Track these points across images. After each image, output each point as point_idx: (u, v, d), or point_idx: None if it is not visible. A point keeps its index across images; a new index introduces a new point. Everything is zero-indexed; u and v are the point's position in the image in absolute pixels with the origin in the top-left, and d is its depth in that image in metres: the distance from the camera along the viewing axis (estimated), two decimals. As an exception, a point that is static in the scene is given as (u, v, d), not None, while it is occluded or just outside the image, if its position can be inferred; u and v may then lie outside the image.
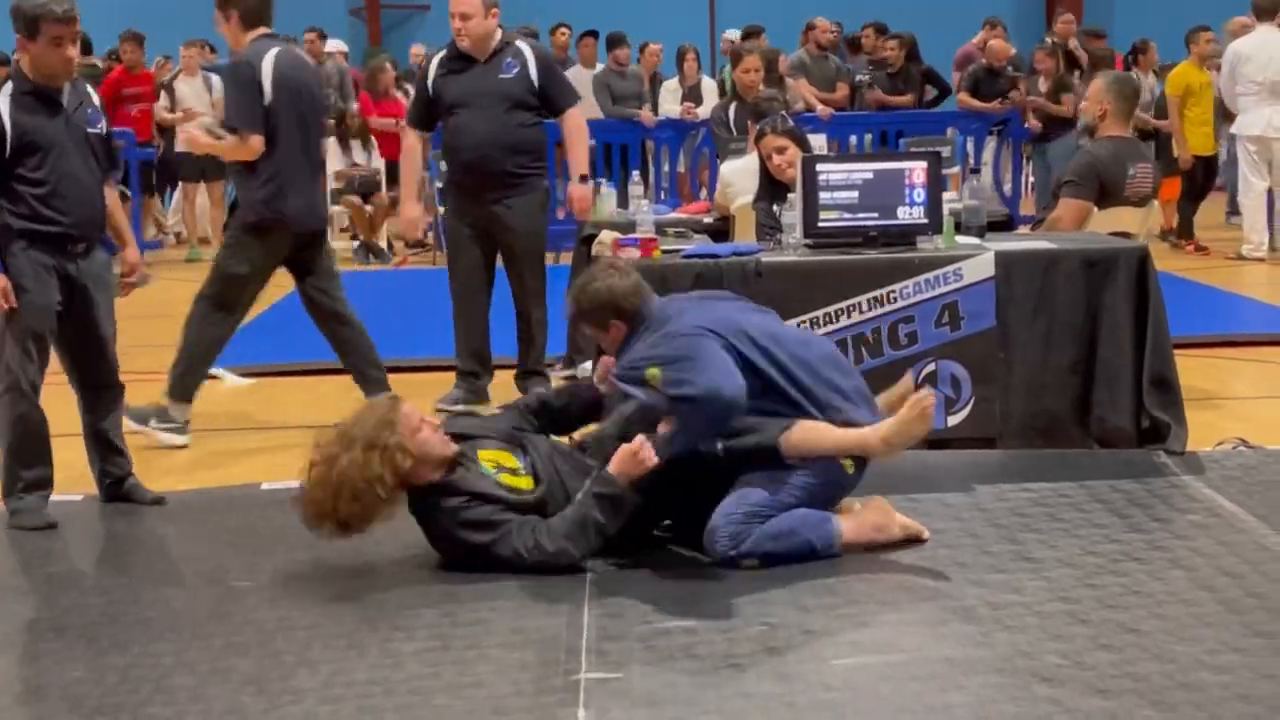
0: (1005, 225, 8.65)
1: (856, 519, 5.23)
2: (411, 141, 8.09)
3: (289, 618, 4.72)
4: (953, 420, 6.61)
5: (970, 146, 15.56)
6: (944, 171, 13.88)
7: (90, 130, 5.93)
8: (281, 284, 8.09)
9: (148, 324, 12.10)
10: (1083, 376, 6.65)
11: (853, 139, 15.41)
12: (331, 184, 15.76)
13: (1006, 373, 6.62)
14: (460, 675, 4.19)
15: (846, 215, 6.63)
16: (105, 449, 6.11)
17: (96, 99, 6.04)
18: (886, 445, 5.13)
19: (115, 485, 6.12)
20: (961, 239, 6.88)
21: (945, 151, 14.87)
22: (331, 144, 15.71)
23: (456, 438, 5.16)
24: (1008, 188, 16.16)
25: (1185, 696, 3.89)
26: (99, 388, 6.04)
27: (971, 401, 6.61)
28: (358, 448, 4.96)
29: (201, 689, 4.17)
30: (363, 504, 4.95)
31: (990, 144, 15.94)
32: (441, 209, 16.04)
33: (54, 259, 5.80)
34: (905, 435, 5.10)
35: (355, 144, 15.82)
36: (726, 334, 5.11)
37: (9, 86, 5.78)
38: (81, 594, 5.08)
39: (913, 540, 5.28)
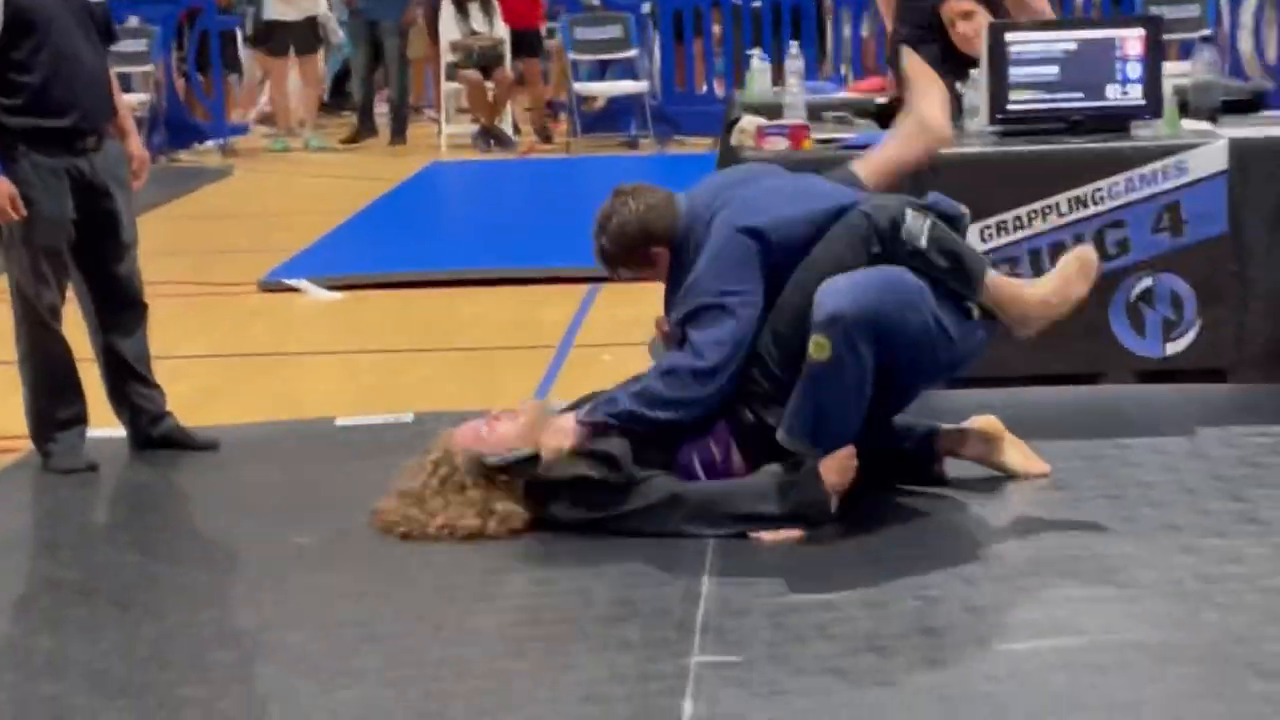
0: (1252, 106, 8.42)
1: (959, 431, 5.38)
2: None
3: (354, 582, 4.77)
4: (1172, 348, 6.49)
5: (1226, 4, 15.20)
6: (1191, 36, 13.66)
7: (91, 1, 5.97)
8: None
9: (228, 224, 12.33)
10: (1338, 295, 6.50)
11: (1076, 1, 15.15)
12: (447, 56, 15.85)
13: (1241, 289, 6.49)
14: (549, 655, 4.21)
15: (1044, 95, 6.51)
16: (131, 381, 6.14)
17: None
18: (1043, 306, 5.18)
19: (150, 425, 6.17)
20: (1188, 124, 6.73)
21: (1194, 11, 14.71)
22: (446, 8, 15.79)
23: None
24: (1271, 54, 15.75)
25: None
26: (121, 306, 6.09)
27: (1197, 325, 6.49)
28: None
29: (244, 667, 4.24)
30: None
31: (1249, 3, 15.53)
32: (576, 86, 16.12)
33: (63, 159, 5.87)
34: (1065, 295, 5.17)
35: (474, 8, 15.84)
36: (768, 230, 5.14)
37: None
38: (116, 551, 5.18)
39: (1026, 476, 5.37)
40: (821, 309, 4.92)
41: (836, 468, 5.02)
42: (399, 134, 16.29)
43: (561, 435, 5.10)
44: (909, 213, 5.05)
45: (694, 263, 5.20)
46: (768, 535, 4.97)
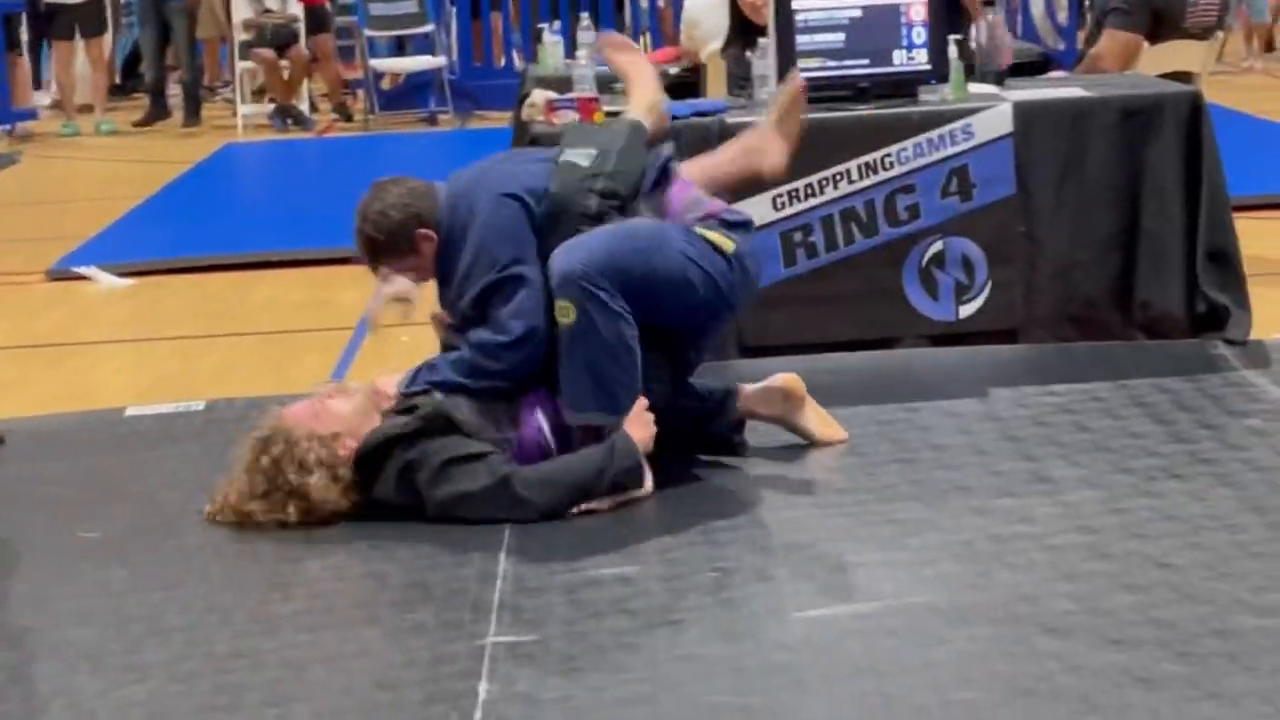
0: (1039, 69, 8.53)
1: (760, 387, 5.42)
2: None
3: (143, 577, 4.68)
4: (964, 310, 6.57)
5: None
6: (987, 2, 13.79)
7: None
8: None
9: (16, 212, 12.06)
10: (1123, 253, 6.60)
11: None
12: (240, 35, 15.64)
13: (1030, 250, 6.57)
14: (343, 643, 4.16)
15: (830, 63, 6.53)
16: None
17: None
18: (775, 136, 5.48)
19: None
20: (975, 88, 6.79)
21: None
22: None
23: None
24: (1063, 17, 16.00)
25: (1218, 646, 3.86)
26: None
27: (988, 287, 6.56)
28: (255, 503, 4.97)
29: (26, 666, 4.14)
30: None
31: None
32: (373, 62, 15.97)
33: None
34: (789, 122, 5.45)
35: (265, -15, 15.66)
36: (525, 194, 5.16)
37: None
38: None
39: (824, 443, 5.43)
40: (555, 273, 4.96)
41: (638, 424, 5.01)
42: (192, 115, 16.05)
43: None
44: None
45: (462, 244, 5.15)
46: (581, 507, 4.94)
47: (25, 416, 6.40)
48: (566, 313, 4.95)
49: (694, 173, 5.52)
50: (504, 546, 4.72)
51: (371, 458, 4.98)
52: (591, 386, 4.99)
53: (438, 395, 5.05)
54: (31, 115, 16.06)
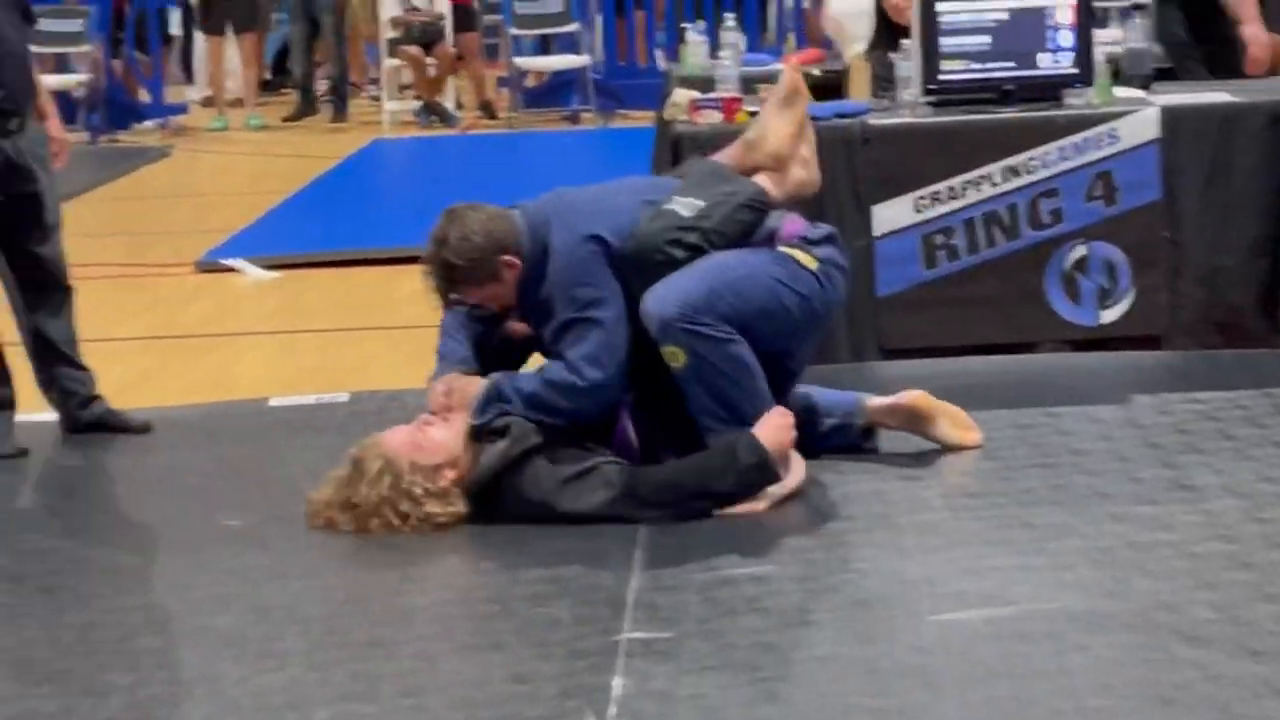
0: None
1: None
2: None
3: (283, 565, 4.74)
4: (1107, 316, 6.52)
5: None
6: (1128, 3, 13.66)
7: None
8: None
9: (166, 204, 12.26)
10: (1270, 259, 6.53)
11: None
12: (388, 33, 15.78)
13: (1174, 256, 6.51)
14: (477, 635, 4.20)
15: (975, 65, 6.52)
16: (59, 364, 6.08)
17: None
18: (775, 121, 5.31)
19: (80, 409, 6.12)
20: (1120, 92, 6.74)
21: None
22: (387, -17, 15.74)
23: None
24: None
25: (1361, 660, 3.80)
26: (45, 288, 6.03)
27: (1131, 293, 6.51)
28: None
29: (170, 651, 4.21)
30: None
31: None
32: (517, 60, 16.06)
33: None
34: (791, 110, 5.35)
35: (413, -17, 15.79)
36: (607, 234, 5.05)
37: None
38: (44, 536, 5.14)
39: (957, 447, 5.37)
40: (652, 319, 4.93)
41: (772, 428, 5.00)
42: (340, 111, 16.23)
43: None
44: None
45: (542, 275, 5.03)
46: (727, 512, 4.93)
47: (170, 406, 6.50)
48: (675, 357, 4.93)
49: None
50: (639, 544, 4.73)
51: (482, 490, 5.01)
52: (721, 413, 4.97)
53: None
54: (182, 109, 16.29)
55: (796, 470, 5.06)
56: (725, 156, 5.40)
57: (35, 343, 6.06)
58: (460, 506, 4.95)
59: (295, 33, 16.31)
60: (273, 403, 6.39)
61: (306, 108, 16.27)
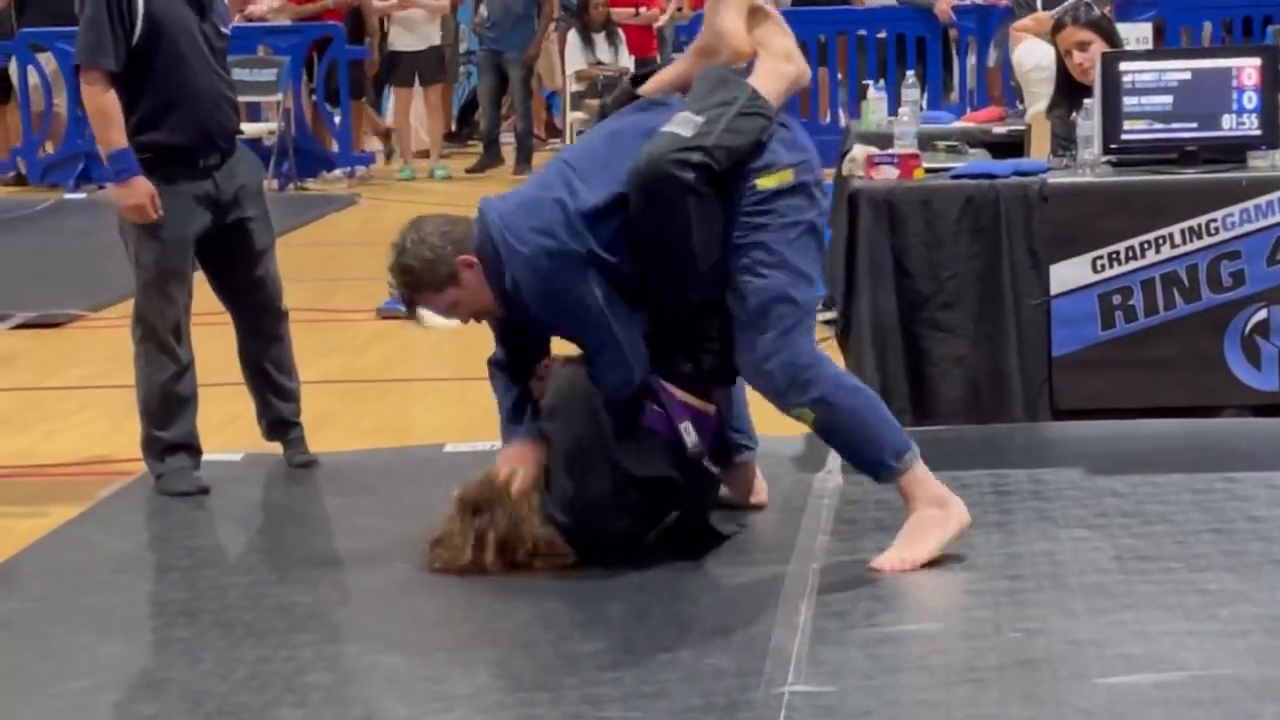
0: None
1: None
2: None
3: (452, 607, 4.81)
4: (1287, 381, 6.41)
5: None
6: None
7: (222, 30, 6.09)
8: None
9: (352, 252, 12.43)
10: None
11: (1207, 26, 14.98)
12: (572, 85, 15.92)
13: (1359, 321, 6.39)
14: (642, 683, 4.21)
15: (1157, 125, 6.46)
16: (266, 386, 6.27)
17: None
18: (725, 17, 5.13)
19: (276, 427, 6.30)
20: (1306, 155, 6.64)
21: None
22: (572, 38, 15.88)
23: None
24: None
25: None
26: (258, 312, 6.22)
27: (1313, 358, 6.40)
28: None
29: (339, 689, 4.27)
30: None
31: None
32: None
33: (187, 180, 5.95)
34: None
35: (599, 38, 15.93)
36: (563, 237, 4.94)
37: None
38: (223, 572, 5.25)
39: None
40: (766, 391, 5.00)
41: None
42: (524, 162, 16.37)
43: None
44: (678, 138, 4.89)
45: (502, 268, 4.97)
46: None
47: (349, 450, 6.60)
48: (804, 416, 4.96)
49: (663, 87, 5.24)
50: (806, 596, 4.73)
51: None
52: (864, 453, 5.00)
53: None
54: (370, 159, 16.54)
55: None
56: (684, 67, 5.24)
57: (253, 371, 6.26)
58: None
59: (483, 85, 16.49)
60: (448, 449, 6.46)
61: (491, 160, 16.46)
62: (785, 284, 4.93)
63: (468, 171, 16.32)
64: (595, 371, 5.06)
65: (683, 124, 4.90)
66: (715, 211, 4.92)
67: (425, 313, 5.24)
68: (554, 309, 5.01)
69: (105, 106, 5.85)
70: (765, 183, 4.95)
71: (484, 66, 16.37)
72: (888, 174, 6.48)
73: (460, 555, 4.99)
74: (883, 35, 15.73)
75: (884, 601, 4.69)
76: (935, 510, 4.96)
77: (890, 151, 6.66)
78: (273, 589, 5.05)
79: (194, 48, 5.94)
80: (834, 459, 6.08)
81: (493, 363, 5.36)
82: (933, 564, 4.95)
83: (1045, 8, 9.38)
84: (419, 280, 5.05)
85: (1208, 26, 15.20)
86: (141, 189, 5.83)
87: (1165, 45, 13.03)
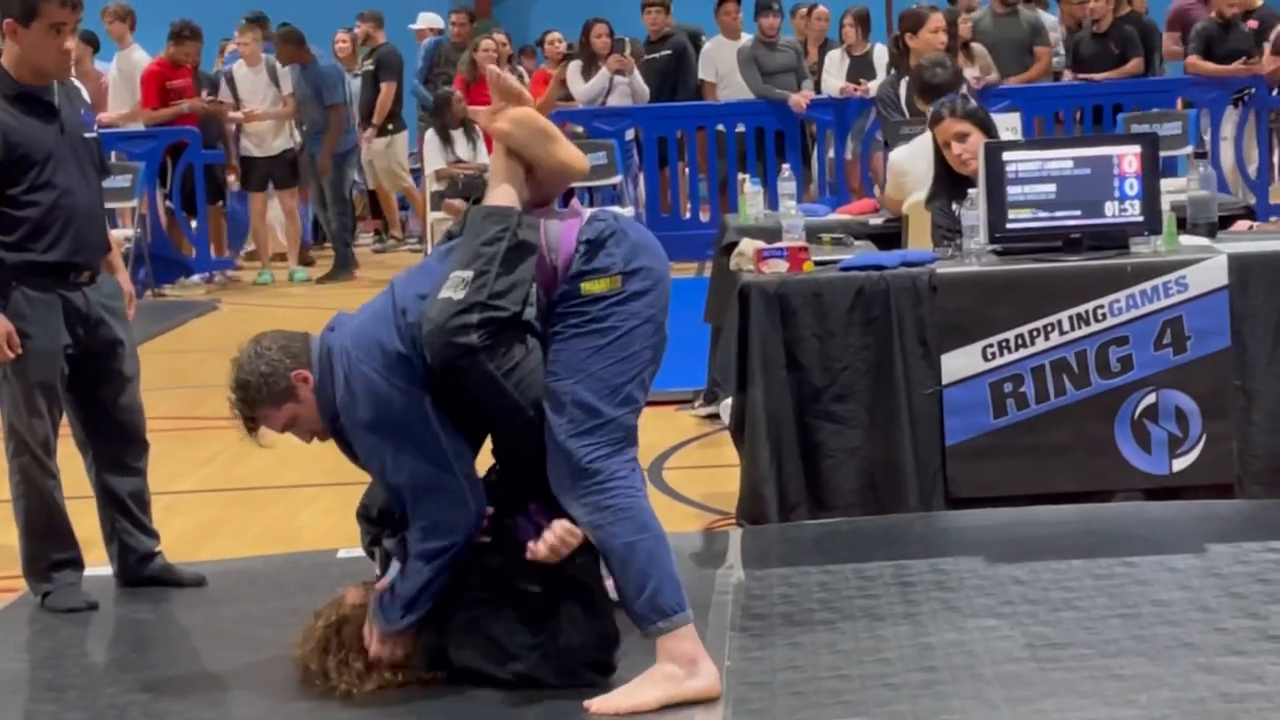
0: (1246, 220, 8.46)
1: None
2: None
3: (365, 714, 4.72)
4: (1179, 464, 6.49)
5: (1206, 121, 15.29)
6: (1175, 153, 13.73)
7: (86, 135, 6.00)
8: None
9: (216, 359, 12.31)
10: (1343, 407, 6.50)
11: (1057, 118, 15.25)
12: (432, 185, 15.88)
13: (1245, 404, 6.48)
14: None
15: (1041, 214, 6.53)
16: (124, 520, 6.10)
17: (86, 94, 6.11)
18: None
19: (138, 565, 6.13)
20: (1186, 239, 6.76)
21: (1176, 129, 14.82)
22: (430, 136, 15.86)
23: None
24: (1253, 169, 15.86)
25: None
26: (121, 441, 6.08)
27: (1202, 440, 6.47)
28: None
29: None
30: None
31: (1231, 116, 15.64)
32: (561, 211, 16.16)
33: (57, 293, 5.85)
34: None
35: (458, 135, 15.91)
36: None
37: None
38: (121, 691, 5.13)
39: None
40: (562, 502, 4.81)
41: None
42: (341, 267, 15.92)
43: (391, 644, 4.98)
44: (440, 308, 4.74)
45: (335, 395, 4.91)
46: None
47: (236, 558, 6.49)
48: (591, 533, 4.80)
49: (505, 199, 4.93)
50: (726, 698, 4.70)
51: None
52: (635, 598, 4.75)
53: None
54: (230, 264, 16.39)
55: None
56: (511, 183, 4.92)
57: (110, 505, 6.08)
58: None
59: (312, 191, 16.22)
60: (341, 554, 6.38)
61: (343, 265, 16.12)
62: (584, 391, 4.76)
63: (317, 282, 15.97)
64: (420, 528, 4.91)
65: (454, 285, 4.73)
66: (520, 350, 4.79)
67: (266, 430, 5.14)
68: (378, 440, 4.88)
69: None
70: (590, 287, 4.81)
71: (310, 175, 16.06)
72: (777, 267, 6.50)
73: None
74: (741, 129, 15.84)
75: (803, 697, 4.66)
76: (676, 668, 4.73)
77: (779, 245, 6.68)
78: (174, 706, 4.95)
79: (59, 166, 5.84)
80: (734, 553, 6.09)
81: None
82: (845, 657, 4.93)
83: (915, 113, 9.46)
84: (255, 395, 5.01)
85: (1073, 116, 15.46)
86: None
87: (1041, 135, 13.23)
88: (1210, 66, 15.31)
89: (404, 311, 4.84)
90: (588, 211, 5.00)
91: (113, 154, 15.19)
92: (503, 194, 4.87)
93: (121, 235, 15.01)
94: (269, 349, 4.99)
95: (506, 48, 16.59)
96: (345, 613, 5.04)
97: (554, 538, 4.81)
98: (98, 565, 6.16)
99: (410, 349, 4.81)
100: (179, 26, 15.66)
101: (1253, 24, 15.30)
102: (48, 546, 5.93)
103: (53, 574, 5.92)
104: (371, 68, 16.98)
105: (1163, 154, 9.28)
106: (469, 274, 4.72)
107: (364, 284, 15.92)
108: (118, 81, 16.08)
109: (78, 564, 6.00)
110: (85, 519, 6.13)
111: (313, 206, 16.61)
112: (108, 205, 14.53)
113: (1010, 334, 6.41)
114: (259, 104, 15.63)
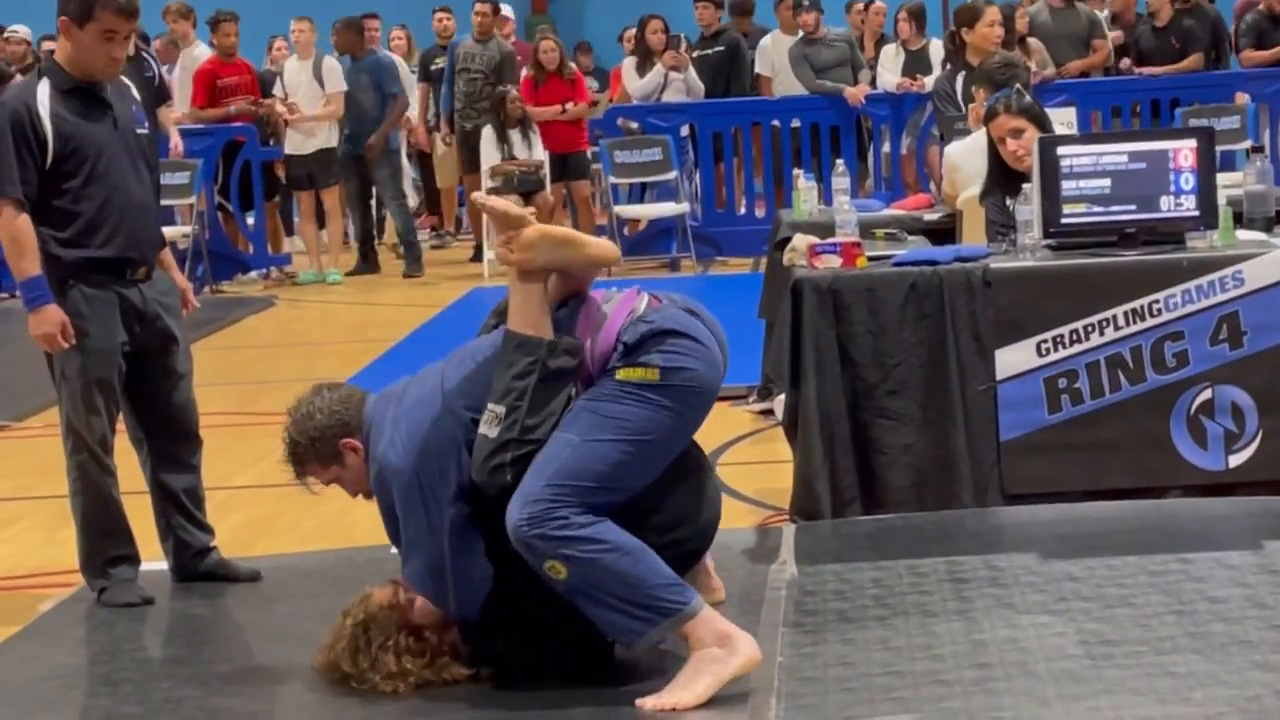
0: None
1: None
2: None
3: (409, 710, 4.76)
4: (1235, 460, 6.45)
5: (1266, 115, 15.21)
6: (1233, 147, 13.63)
7: (139, 131, 6.02)
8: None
9: (271, 354, 12.36)
10: (1399, 401, 6.45)
11: (1115, 112, 15.16)
12: (488, 182, 15.89)
13: (1304, 399, 6.43)
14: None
15: (1096, 209, 6.50)
16: (177, 514, 6.13)
17: (138, 93, 6.16)
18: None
19: (192, 560, 6.16)
20: (1243, 234, 6.71)
21: (1234, 123, 14.73)
22: (487, 133, 15.87)
23: None
24: (1313, 164, 15.77)
25: None
26: (174, 438, 6.11)
27: (1259, 436, 6.44)
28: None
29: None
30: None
31: (1290, 110, 15.55)
32: (617, 209, 16.19)
33: (113, 290, 5.89)
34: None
35: (514, 134, 15.94)
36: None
37: (45, 84, 5.85)
38: (175, 685, 5.17)
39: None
40: (514, 540, 4.75)
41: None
42: (413, 263, 16.00)
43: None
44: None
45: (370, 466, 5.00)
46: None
47: (290, 554, 6.52)
48: (556, 570, 4.71)
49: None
50: (774, 692, 4.70)
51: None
52: (629, 613, 4.72)
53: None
54: (286, 260, 16.44)
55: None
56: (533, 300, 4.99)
57: (157, 492, 6.11)
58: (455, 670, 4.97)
59: (347, 191, 16.20)
60: (394, 550, 6.37)
61: (366, 266, 16.14)
62: (582, 453, 4.77)
63: (346, 275, 16.01)
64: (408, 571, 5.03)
65: (489, 422, 4.81)
66: None
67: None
68: (400, 520, 4.99)
69: (16, 235, 5.78)
70: (625, 375, 4.84)
71: (346, 173, 16.08)
72: (830, 262, 6.49)
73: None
74: (797, 125, 15.82)
75: (855, 693, 4.66)
76: (716, 649, 4.72)
77: (833, 240, 6.67)
78: (228, 701, 4.98)
79: (113, 162, 5.88)
80: (787, 549, 6.08)
81: None
82: (897, 653, 4.93)
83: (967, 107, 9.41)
84: (304, 455, 5.15)
85: (1130, 110, 15.38)
86: (52, 317, 5.75)
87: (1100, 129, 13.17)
88: (1264, 55, 15.24)
89: (450, 411, 4.91)
90: (642, 301, 4.98)
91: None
92: (524, 321, 4.89)
93: (179, 232, 15.13)
94: (322, 410, 5.07)
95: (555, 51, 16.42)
96: (372, 611, 5.03)
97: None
98: (154, 561, 6.20)
99: (449, 447, 4.87)
100: (213, 15, 15.71)
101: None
102: (105, 543, 5.97)
103: (109, 570, 5.96)
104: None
105: (1220, 148, 9.29)
106: (501, 409, 4.80)
107: (427, 279, 15.95)
108: (181, 79, 16.16)
109: (134, 560, 6.04)
110: (141, 515, 6.17)
111: (349, 207, 16.47)
112: (166, 202, 14.78)
113: (1065, 329, 6.39)
114: (301, 99, 15.61)
